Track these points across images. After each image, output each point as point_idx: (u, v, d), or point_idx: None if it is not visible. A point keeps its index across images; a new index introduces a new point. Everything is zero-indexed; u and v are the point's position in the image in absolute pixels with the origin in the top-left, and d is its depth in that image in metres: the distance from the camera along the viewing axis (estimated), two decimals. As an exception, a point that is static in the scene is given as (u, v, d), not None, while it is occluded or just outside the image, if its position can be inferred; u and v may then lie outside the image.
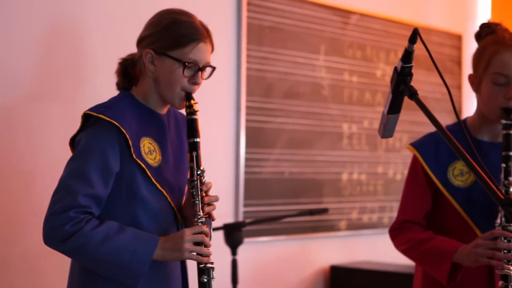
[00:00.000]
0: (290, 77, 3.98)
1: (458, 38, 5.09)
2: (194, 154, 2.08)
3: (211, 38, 2.14)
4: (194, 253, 2.01)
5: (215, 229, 3.07)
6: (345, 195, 4.29)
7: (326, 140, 4.18)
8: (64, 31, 3.03)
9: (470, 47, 4.76)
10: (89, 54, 3.11)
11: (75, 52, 3.06)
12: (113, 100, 2.12)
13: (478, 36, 2.44)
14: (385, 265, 4.07)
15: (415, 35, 1.65)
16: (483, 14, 5.45)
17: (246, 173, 3.76)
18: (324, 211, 3.51)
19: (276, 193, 3.89)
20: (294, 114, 4.00)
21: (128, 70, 2.17)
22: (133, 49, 2.22)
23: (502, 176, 2.24)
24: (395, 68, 1.72)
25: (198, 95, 2.16)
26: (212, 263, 2.04)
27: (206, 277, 2.03)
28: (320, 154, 4.14)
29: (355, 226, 4.34)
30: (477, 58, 2.37)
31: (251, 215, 3.72)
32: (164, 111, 2.17)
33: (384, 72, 4.51)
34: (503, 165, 2.26)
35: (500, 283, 2.15)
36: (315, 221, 4.10)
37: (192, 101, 2.10)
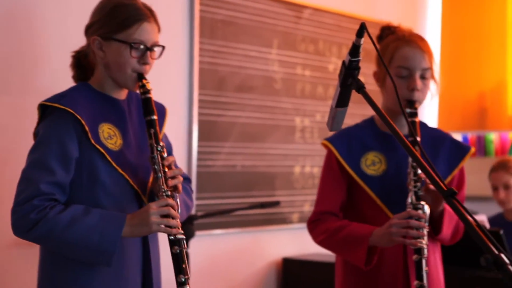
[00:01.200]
0: (242, 71, 3.99)
1: (409, 33, 5.16)
2: (152, 131, 2.12)
3: (156, 18, 2.18)
4: (162, 226, 2.04)
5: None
6: (298, 188, 4.32)
7: (278, 133, 4.20)
8: (14, 20, 2.98)
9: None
10: (40, 44, 3.07)
11: (26, 43, 3.02)
12: (68, 90, 2.17)
13: (380, 38, 2.59)
14: (337, 257, 4.11)
15: (362, 29, 1.68)
16: (434, 9, 5.53)
17: (198, 166, 3.76)
18: (276, 204, 3.53)
19: (228, 186, 3.90)
20: (246, 108, 4.01)
21: (82, 62, 2.23)
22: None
23: (410, 160, 2.35)
24: (343, 62, 1.75)
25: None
26: (182, 233, 2.07)
27: (177, 247, 2.06)
28: (272, 148, 4.16)
29: (307, 218, 4.36)
30: (381, 55, 2.49)
31: (203, 208, 3.73)
32: (122, 96, 2.22)
33: (337, 66, 4.54)
34: None
35: (414, 256, 2.26)
36: (267, 214, 4.12)
37: (144, 81, 2.14)
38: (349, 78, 1.73)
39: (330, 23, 4.54)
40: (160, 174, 2.09)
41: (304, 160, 4.36)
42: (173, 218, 2.05)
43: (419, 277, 2.24)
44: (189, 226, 3.13)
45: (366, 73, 2.56)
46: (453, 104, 5.54)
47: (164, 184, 2.09)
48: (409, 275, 2.38)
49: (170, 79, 3.61)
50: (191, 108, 3.73)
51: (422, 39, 2.50)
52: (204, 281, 3.76)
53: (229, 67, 3.91)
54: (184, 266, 2.06)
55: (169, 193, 2.09)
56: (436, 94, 2.53)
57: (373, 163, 2.48)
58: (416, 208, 2.28)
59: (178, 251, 2.06)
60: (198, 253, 3.64)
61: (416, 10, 5.33)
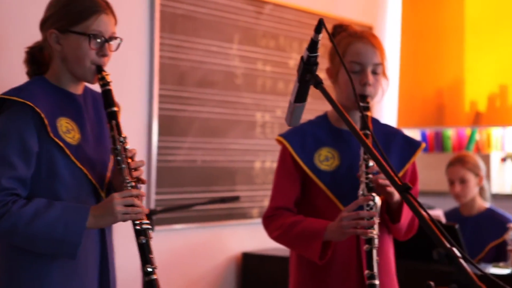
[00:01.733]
0: (203, 66, 3.99)
1: (369, 29, 5.20)
2: (114, 123, 2.12)
3: (112, 9, 2.18)
4: (127, 215, 2.03)
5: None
6: (258, 183, 4.33)
7: (239, 128, 4.21)
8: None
9: (381, 38, 4.89)
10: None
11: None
12: (25, 84, 2.15)
13: (332, 36, 2.60)
14: (296, 252, 4.14)
15: (320, 25, 1.69)
16: (394, 5, 5.58)
17: (158, 161, 3.75)
18: (235, 199, 3.54)
19: (188, 181, 3.90)
20: (207, 103, 4.01)
21: (36, 57, 2.20)
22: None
23: (362, 152, 2.39)
24: (302, 58, 1.75)
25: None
26: (148, 223, 2.07)
27: (143, 237, 2.05)
28: (233, 143, 4.17)
29: (268, 213, 4.38)
30: (334, 51, 2.55)
31: (163, 203, 3.72)
32: (79, 90, 2.20)
33: (297, 61, 4.54)
34: None
35: (365, 246, 2.28)
36: (227, 209, 4.13)
37: (104, 73, 2.14)
38: (307, 73, 1.74)
39: (290, 18, 4.56)
40: (123, 165, 2.09)
41: (265, 155, 4.38)
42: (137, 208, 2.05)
43: (370, 267, 2.26)
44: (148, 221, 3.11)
45: (325, 69, 2.58)
46: (412, 101, 5.60)
47: (128, 175, 2.08)
48: (362, 266, 2.40)
49: (130, 74, 3.59)
50: (151, 103, 3.71)
51: (373, 35, 2.53)
52: (164, 276, 3.74)
53: (189, 62, 3.91)
54: (150, 256, 2.06)
55: (133, 184, 2.08)
56: (387, 90, 2.56)
57: (326, 158, 2.50)
58: None
59: (144, 241, 2.06)
60: (158, 248, 3.61)
61: (376, 7, 5.38)
